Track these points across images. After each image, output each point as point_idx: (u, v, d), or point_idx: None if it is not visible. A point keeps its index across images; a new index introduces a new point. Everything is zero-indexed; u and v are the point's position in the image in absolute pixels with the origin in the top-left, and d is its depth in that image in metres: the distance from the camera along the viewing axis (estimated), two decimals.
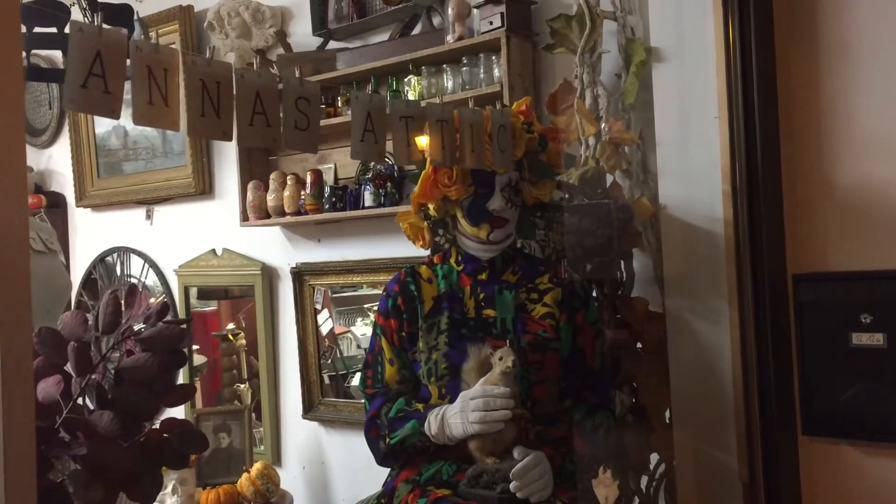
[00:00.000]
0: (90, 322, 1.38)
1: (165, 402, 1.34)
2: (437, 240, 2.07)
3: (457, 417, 1.78)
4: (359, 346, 3.49)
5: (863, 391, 1.80)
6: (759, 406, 1.95)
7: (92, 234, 4.22)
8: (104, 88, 0.97)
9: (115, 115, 0.99)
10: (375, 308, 2.10)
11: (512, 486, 1.71)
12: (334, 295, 3.48)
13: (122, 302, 1.32)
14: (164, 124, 1.03)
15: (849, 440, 1.86)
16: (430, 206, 1.97)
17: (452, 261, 2.00)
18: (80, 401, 1.33)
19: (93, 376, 1.28)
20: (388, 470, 2.02)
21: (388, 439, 1.89)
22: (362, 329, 3.50)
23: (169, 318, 1.37)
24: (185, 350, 1.36)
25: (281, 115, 1.18)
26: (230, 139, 1.10)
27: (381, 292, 2.11)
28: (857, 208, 1.85)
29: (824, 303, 1.86)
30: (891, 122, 1.80)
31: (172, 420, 1.48)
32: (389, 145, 1.45)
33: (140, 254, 4.00)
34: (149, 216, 3.98)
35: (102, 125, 4.09)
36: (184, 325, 1.34)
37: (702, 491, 2.08)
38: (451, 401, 1.82)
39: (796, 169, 1.94)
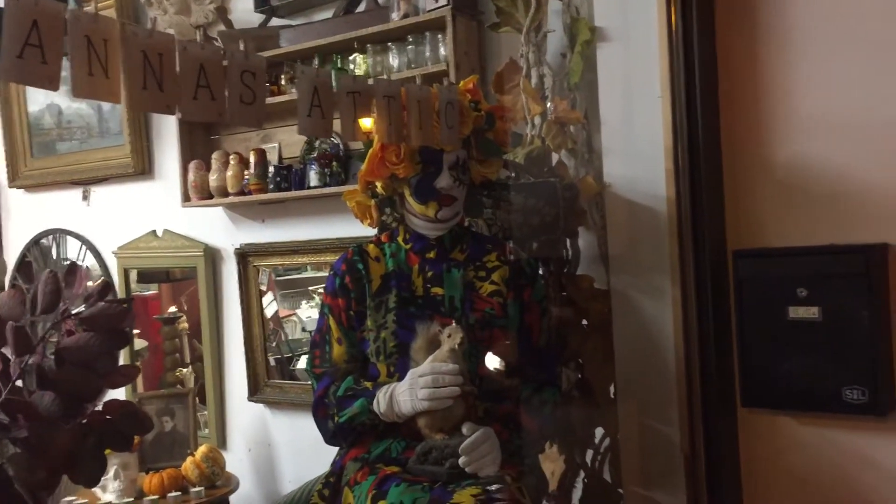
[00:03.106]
0: (28, 303, 1.35)
1: (108, 383, 1.31)
2: (384, 218, 2.07)
3: (406, 395, 1.78)
4: (304, 330, 3.47)
5: (799, 363, 1.85)
6: (700, 380, 2.00)
7: (26, 215, 4.10)
8: (41, 59, 0.94)
9: (53, 86, 0.96)
10: (321, 290, 2.09)
11: (461, 461, 1.73)
12: (278, 278, 3.44)
13: (62, 281, 1.29)
14: (104, 96, 1.00)
15: (785, 411, 1.92)
16: (378, 185, 1.96)
17: (400, 239, 2.00)
18: (18, 383, 1.29)
19: (32, 357, 1.24)
20: (335, 450, 2.02)
21: (336, 418, 1.89)
22: (307, 312, 3.48)
23: (110, 298, 1.34)
24: (128, 330, 1.34)
25: (226, 89, 1.15)
26: (174, 113, 1.08)
27: (326, 274, 2.10)
28: (795, 186, 1.90)
29: (763, 278, 1.90)
30: (826, 103, 1.85)
31: (115, 402, 1.45)
32: (336, 124, 1.44)
33: (77, 236, 3.89)
34: (85, 197, 3.88)
35: (35, 103, 3.97)
36: (126, 304, 1.32)
37: (645, 463, 2.13)
38: (400, 379, 1.83)
39: (736, 148, 1.98)
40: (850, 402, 1.80)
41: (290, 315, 3.53)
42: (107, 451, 1.44)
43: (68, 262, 3.88)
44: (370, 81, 1.47)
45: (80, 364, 1.25)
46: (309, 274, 3.42)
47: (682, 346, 2.02)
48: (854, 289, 1.80)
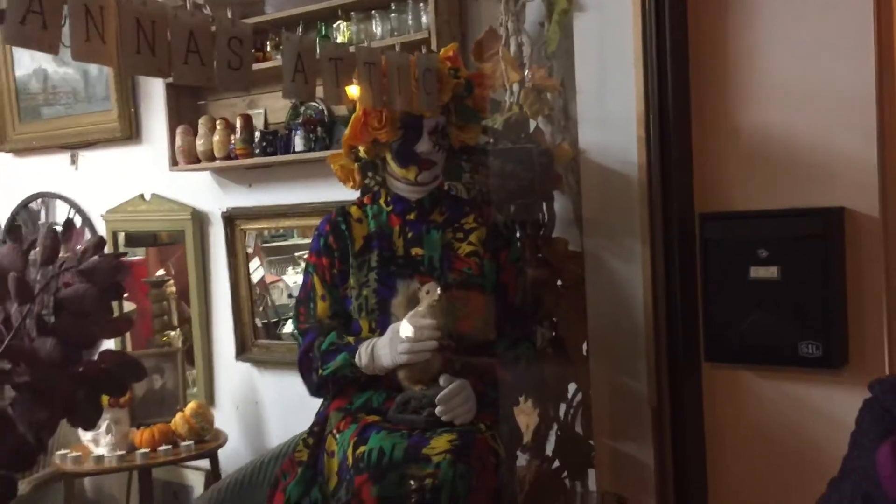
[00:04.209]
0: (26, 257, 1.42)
1: (104, 332, 1.40)
2: (366, 182, 2.15)
3: (386, 349, 1.88)
4: (290, 296, 3.54)
5: (759, 320, 1.95)
6: (668, 336, 2.11)
7: (14, 179, 4.14)
8: (42, 25, 1.01)
9: (53, 50, 1.03)
10: (306, 255, 2.17)
11: (437, 410, 1.83)
12: (265, 244, 3.51)
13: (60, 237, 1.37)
14: (101, 60, 1.08)
15: (746, 365, 2.02)
16: (361, 149, 2.04)
17: (382, 201, 2.08)
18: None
19: (32, 307, 1.32)
20: (320, 407, 2.11)
21: (320, 371, 1.98)
22: (294, 278, 3.55)
23: (105, 252, 1.42)
24: (121, 282, 1.42)
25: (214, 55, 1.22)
26: (167, 76, 1.15)
27: (309, 240, 2.19)
28: (759, 152, 1.99)
29: (727, 239, 2.00)
30: (790, 73, 1.94)
31: (109, 352, 1.53)
32: (320, 90, 1.51)
33: (65, 199, 3.95)
34: (74, 161, 3.92)
35: (22, 67, 3.99)
36: (121, 257, 1.40)
37: (615, 416, 2.23)
38: (381, 334, 1.92)
39: (705, 116, 2.07)
40: (806, 357, 1.91)
41: (277, 281, 3.60)
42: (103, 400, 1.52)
43: (56, 227, 3.94)
44: (351, 49, 1.54)
45: (77, 313, 1.33)
46: (295, 240, 3.49)
47: (650, 304, 2.12)
48: (812, 250, 1.90)
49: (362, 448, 1.77)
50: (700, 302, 2.05)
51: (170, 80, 3.12)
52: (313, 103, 3.00)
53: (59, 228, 1.36)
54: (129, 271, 2.27)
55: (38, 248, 1.32)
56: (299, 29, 2.88)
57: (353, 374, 1.95)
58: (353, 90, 1.65)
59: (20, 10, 0.99)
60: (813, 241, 1.90)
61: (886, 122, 1.86)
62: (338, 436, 1.89)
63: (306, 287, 2.08)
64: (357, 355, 1.92)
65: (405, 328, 1.85)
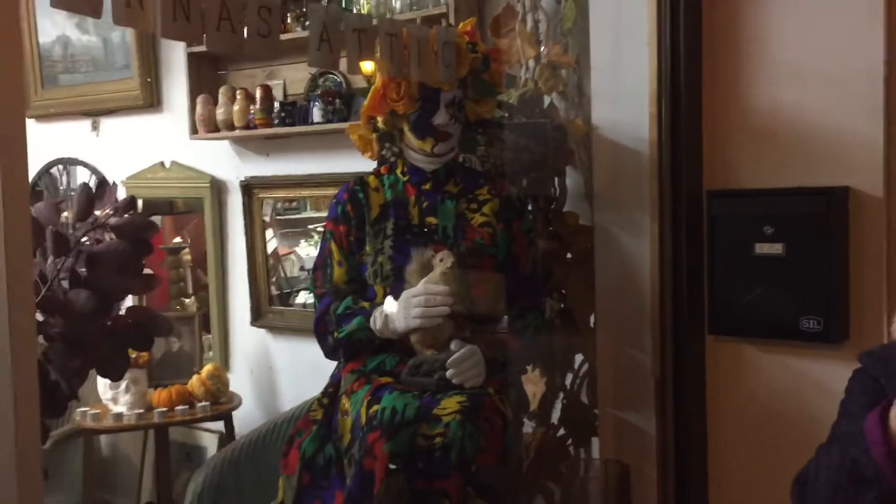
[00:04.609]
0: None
1: (135, 286, 1.47)
2: (383, 152, 2.21)
3: (400, 313, 1.94)
4: (302, 268, 3.60)
5: (762, 295, 2.01)
6: (673, 309, 2.16)
7: (36, 145, 4.19)
8: None
9: (97, 14, 1.09)
10: (320, 228, 2.22)
11: (448, 373, 1.90)
12: (278, 217, 3.57)
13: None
14: (140, 26, 1.14)
15: (748, 339, 2.08)
16: (379, 120, 2.10)
17: (398, 171, 2.14)
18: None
19: (67, 260, 1.40)
20: (331, 374, 2.17)
21: (336, 334, 2.05)
22: (306, 250, 3.61)
23: (135, 211, 1.49)
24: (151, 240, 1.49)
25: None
26: (201, 42, 1.21)
27: (325, 214, 2.25)
28: (767, 131, 2.04)
29: (733, 216, 2.05)
30: (798, 53, 1.98)
31: (136, 307, 1.62)
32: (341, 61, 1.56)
33: (86, 165, 4.02)
34: (95, 128, 3.99)
35: (45, 34, 4.05)
36: (151, 217, 1.47)
37: (619, 386, 2.30)
38: (396, 299, 1.99)
39: (716, 95, 2.11)
40: (806, 332, 1.97)
41: (289, 253, 3.66)
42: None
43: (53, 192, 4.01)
44: (374, 21, 1.60)
45: (110, 267, 1.41)
46: (308, 213, 3.55)
47: (657, 278, 2.18)
48: (816, 228, 1.95)
49: (375, 407, 1.84)
50: (705, 276, 2.11)
51: (195, 48, 3.22)
52: (332, 75, 3.05)
53: (97, 182, 1.43)
54: (158, 229, 2.35)
55: (72, 206, 1.39)
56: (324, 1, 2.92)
57: (367, 337, 2.02)
58: (368, 65, 1.70)
59: None
60: (817, 220, 1.95)
61: (893, 104, 1.90)
62: (352, 396, 1.96)
63: (323, 253, 2.15)
64: (372, 319, 1.99)
65: (418, 294, 1.91)
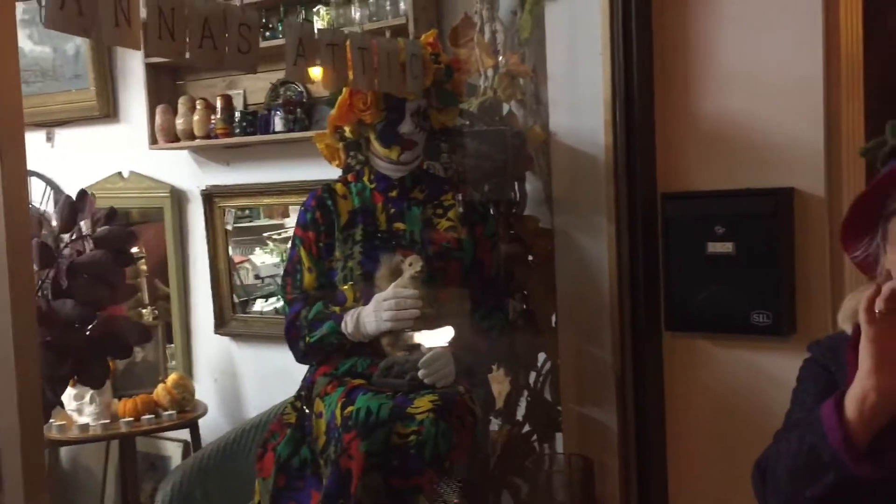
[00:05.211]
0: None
1: (118, 295, 1.51)
2: (349, 161, 2.26)
3: (371, 317, 2.00)
4: (257, 276, 3.62)
5: (715, 291, 2.11)
6: (631, 307, 2.25)
7: None
8: (78, 10, 1.11)
9: (88, 33, 1.13)
10: (275, 236, 2.27)
11: (420, 374, 1.96)
12: (234, 225, 3.57)
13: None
14: (128, 43, 1.18)
15: (702, 333, 2.18)
16: (347, 129, 2.15)
17: (365, 179, 2.20)
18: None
19: (51, 271, 1.43)
20: (296, 379, 2.21)
21: (307, 339, 2.10)
22: (261, 258, 3.63)
23: (116, 222, 1.52)
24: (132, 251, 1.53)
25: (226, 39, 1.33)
26: (184, 58, 1.26)
27: (277, 221, 2.30)
28: (717, 136, 2.15)
29: (686, 217, 2.15)
30: (744, 62, 2.09)
31: (114, 316, 1.65)
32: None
33: (41, 177, 3.99)
34: (49, 139, 3.96)
35: None
36: (131, 227, 1.51)
37: (581, 383, 2.38)
38: (366, 303, 2.04)
39: (667, 102, 2.21)
40: (757, 325, 2.08)
41: (244, 261, 3.68)
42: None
43: (31, 204, 3.98)
44: (346, 31, 1.65)
45: (93, 277, 1.44)
46: (261, 221, 3.58)
47: (615, 278, 2.27)
48: (764, 227, 2.06)
49: (350, 408, 1.89)
50: (661, 275, 2.20)
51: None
52: (293, 85, 3.10)
53: (76, 194, 1.46)
54: (139, 239, 2.35)
55: (56, 218, 1.42)
56: (280, 14, 2.97)
57: (338, 341, 2.07)
58: (316, 71, 1.74)
59: None
60: (765, 219, 2.06)
61: (832, 109, 2.02)
62: (325, 398, 2.01)
63: (293, 259, 2.20)
64: (343, 323, 2.05)
65: (388, 297, 1.97)
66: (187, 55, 1.27)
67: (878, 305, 1.04)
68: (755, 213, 2.07)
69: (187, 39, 1.26)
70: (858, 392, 1.08)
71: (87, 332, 1.56)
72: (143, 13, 1.21)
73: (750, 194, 2.08)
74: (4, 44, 0.98)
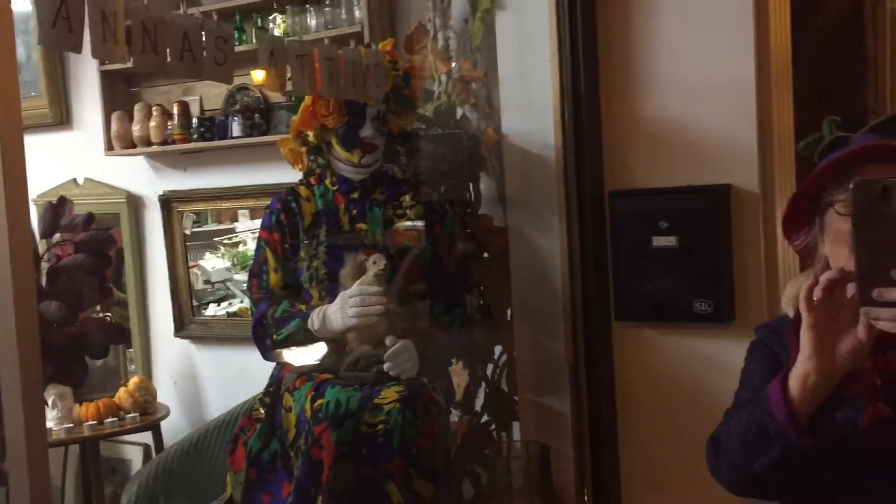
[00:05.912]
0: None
1: (99, 297, 1.57)
2: (311, 165, 2.35)
3: (337, 314, 2.09)
4: (206, 281, 3.65)
5: (660, 283, 2.24)
6: (582, 300, 2.36)
7: None
8: (69, 28, 1.18)
9: (78, 50, 1.21)
10: (226, 240, 2.33)
11: (385, 366, 2.06)
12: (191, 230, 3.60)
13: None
14: (115, 58, 1.26)
15: (649, 322, 2.30)
16: (310, 134, 2.24)
17: (328, 182, 2.29)
18: None
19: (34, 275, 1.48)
20: (257, 381, 2.30)
21: (275, 336, 2.18)
22: (212, 262, 3.66)
23: (95, 227, 1.58)
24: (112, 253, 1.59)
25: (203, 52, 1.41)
26: (165, 71, 1.34)
27: (227, 226, 2.37)
28: (659, 136, 2.26)
29: (632, 213, 2.26)
30: (682, 66, 2.20)
31: (92, 318, 1.71)
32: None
33: None
34: None
35: None
36: (110, 231, 1.57)
37: (536, 374, 2.48)
38: (331, 301, 2.13)
39: (612, 105, 2.32)
40: (699, 313, 2.20)
41: (193, 266, 3.70)
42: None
43: None
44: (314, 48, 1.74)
45: (76, 279, 1.50)
46: (210, 227, 3.61)
47: (567, 272, 2.37)
48: (704, 221, 2.18)
49: (320, 401, 1.98)
50: (610, 268, 2.32)
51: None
52: (250, 91, 3.16)
53: (55, 201, 1.52)
54: (118, 243, 2.39)
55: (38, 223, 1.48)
56: (235, 22, 3.02)
57: (305, 338, 2.16)
58: (259, 74, 1.81)
59: (51, 16, 1.16)
60: (705, 214, 2.18)
61: (764, 109, 2.15)
62: (294, 393, 2.09)
63: (259, 261, 2.27)
64: (310, 320, 2.13)
65: (353, 295, 2.06)
66: (166, 68, 1.34)
67: (816, 294, 1.13)
68: (695, 209, 2.19)
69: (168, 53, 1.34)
70: (800, 373, 1.18)
71: (66, 333, 1.62)
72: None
73: (690, 191, 2.21)
74: (4, 43, 1.05)
